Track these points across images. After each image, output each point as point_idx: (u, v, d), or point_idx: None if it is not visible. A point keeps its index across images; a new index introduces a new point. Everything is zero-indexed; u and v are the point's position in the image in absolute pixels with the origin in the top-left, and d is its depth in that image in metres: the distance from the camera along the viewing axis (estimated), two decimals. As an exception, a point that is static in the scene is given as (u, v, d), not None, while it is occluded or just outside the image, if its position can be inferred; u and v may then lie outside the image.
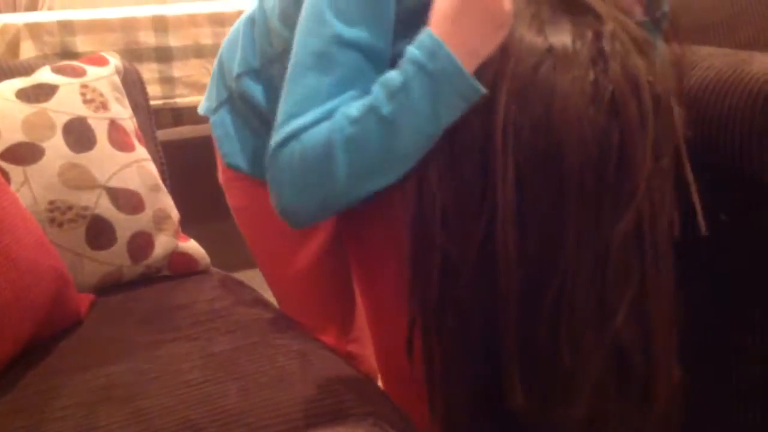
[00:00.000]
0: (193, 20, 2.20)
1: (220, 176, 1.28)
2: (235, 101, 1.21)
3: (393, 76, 0.84)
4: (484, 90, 0.83)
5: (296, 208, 0.89)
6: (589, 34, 0.85)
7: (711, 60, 1.03)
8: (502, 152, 0.84)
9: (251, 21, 1.18)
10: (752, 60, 0.96)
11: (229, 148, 1.23)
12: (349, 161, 0.84)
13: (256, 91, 1.17)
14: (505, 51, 0.85)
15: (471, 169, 0.87)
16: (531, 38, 0.85)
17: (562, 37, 0.84)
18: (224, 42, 1.26)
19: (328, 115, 0.87)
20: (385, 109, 0.83)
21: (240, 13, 2.04)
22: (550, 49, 0.84)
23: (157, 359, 1.08)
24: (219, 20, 2.21)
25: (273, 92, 1.15)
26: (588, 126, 0.82)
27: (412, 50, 0.84)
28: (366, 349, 1.29)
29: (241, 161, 1.22)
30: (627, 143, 0.83)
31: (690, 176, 0.93)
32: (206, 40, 2.20)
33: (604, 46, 0.84)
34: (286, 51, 1.06)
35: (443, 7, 0.85)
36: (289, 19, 1.04)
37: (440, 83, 0.83)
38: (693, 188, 0.93)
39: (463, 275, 0.90)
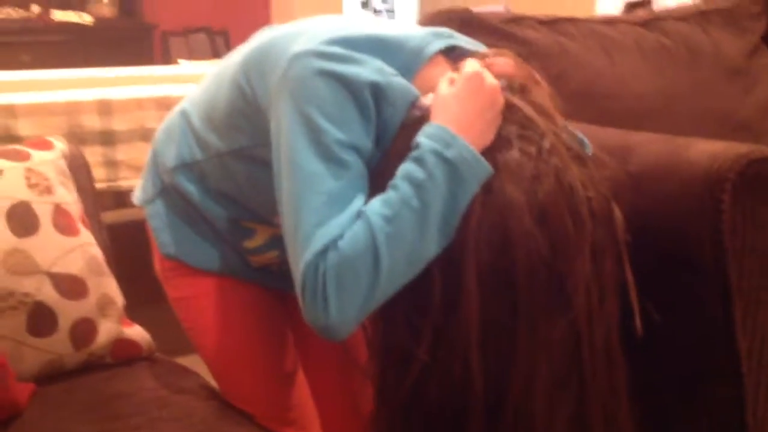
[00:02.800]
0: (138, 104, 2.20)
1: (157, 267, 1.27)
2: (169, 192, 1.22)
3: (413, 169, 0.89)
4: (492, 169, 0.90)
5: (342, 318, 0.90)
6: (533, 150, 0.91)
7: (649, 145, 1.07)
8: (467, 270, 0.89)
9: (185, 114, 1.19)
10: (689, 146, 1.00)
11: (166, 238, 1.22)
12: (390, 257, 0.88)
13: (189, 185, 1.17)
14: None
15: (438, 288, 0.91)
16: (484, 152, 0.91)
17: (511, 151, 0.91)
18: (157, 133, 1.26)
19: (354, 219, 0.90)
20: (415, 202, 0.88)
21: (187, 97, 2.04)
22: (502, 164, 0.90)
23: (100, 451, 1.05)
24: (166, 104, 2.21)
25: (206, 187, 1.17)
26: (533, 242, 0.88)
27: (426, 142, 0.90)
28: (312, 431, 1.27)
29: (178, 251, 1.22)
30: (563, 259, 0.89)
31: (630, 279, 0.96)
32: (152, 123, 2.20)
33: (542, 164, 0.90)
34: (234, 151, 1.09)
35: (445, 104, 0.92)
36: (239, 122, 1.07)
37: (459, 168, 0.88)
38: (633, 291, 0.96)
39: (433, 381, 0.93)
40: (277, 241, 0.99)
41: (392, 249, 0.88)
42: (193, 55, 4.89)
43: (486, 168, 0.89)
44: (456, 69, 0.97)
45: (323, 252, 0.89)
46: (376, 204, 0.90)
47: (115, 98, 2.18)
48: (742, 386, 0.96)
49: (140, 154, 2.17)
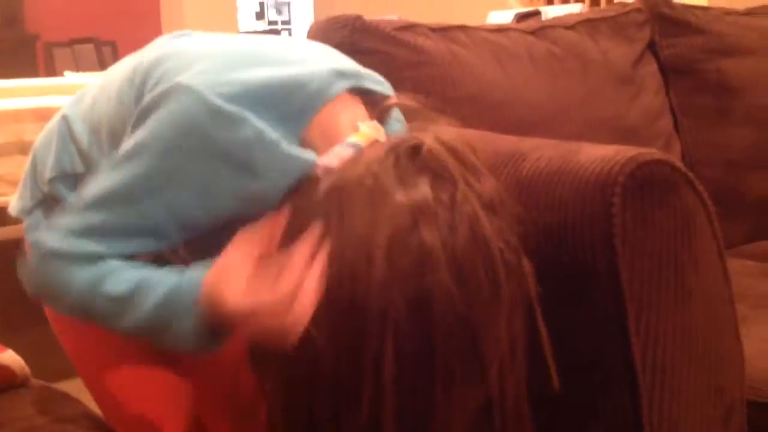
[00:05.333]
0: (16, 116, 2.10)
1: None
2: (49, 203, 1.14)
3: (159, 282, 0.91)
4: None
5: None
6: (446, 199, 0.84)
7: (541, 151, 1.06)
8: (379, 334, 0.81)
9: (66, 120, 1.12)
10: (580, 150, 0.99)
11: None
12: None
13: (70, 197, 1.10)
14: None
15: (348, 351, 0.84)
16: (398, 197, 0.83)
17: (423, 196, 0.83)
18: (38, 139, 1.18)
19: (94, 259, 0.92)
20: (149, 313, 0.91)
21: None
22: (417, 210, 0.82)
23: (-36, 490, 0.96)
24: (45, 116, 2.11)
25: None
26: (452, 300, 0.82)
27: (186, 281, 0.89)
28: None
29: None
30: (479, 319, 0.84)
31: (545, 336, 0.91)
32: (31, 136, 2.10)
33: (456, 214, 0.83)
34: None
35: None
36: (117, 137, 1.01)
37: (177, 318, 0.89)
38: (548, 348, 0.92)
39: None
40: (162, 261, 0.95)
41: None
42: (79, 66, 4.73)
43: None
44: (368, 110, 0.95)
45: (56, 255, 0.93)
46: (118, 277, 0.92)
47: (-10, 110, 2.08)
48: (638, 390, 0.96)
49: (18, 168, 2.07)
